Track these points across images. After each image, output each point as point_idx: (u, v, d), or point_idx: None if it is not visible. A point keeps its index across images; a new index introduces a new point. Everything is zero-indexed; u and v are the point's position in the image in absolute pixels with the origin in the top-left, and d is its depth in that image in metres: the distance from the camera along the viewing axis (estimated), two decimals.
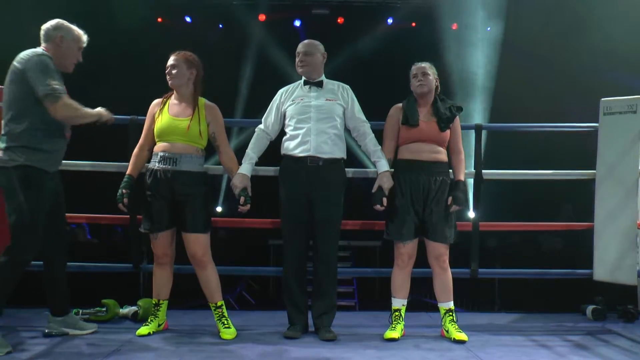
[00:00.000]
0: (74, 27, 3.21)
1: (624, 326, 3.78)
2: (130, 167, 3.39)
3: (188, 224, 3.30)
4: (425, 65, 3.47)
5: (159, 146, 3.32)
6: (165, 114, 3.33)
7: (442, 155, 3.41)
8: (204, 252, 3.33)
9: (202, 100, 3.41)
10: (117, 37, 7.69)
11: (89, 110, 3.12)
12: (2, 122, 3.09)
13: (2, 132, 3.08)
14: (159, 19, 8.61)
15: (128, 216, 3.66)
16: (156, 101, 3.44)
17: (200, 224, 3.31)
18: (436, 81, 3.48)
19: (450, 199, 3.36)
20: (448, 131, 3.42)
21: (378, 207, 3.34)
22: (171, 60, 3.36)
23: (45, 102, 2.98)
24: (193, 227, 3.30)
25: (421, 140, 3.37)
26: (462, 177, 3.43)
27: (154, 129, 3.35)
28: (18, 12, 7.03)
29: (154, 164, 3.31)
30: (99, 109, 3.17)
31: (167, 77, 3.36)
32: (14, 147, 3.02)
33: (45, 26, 3.16)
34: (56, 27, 3.15)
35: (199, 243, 3.32)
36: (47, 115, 3.01)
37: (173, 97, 3.41)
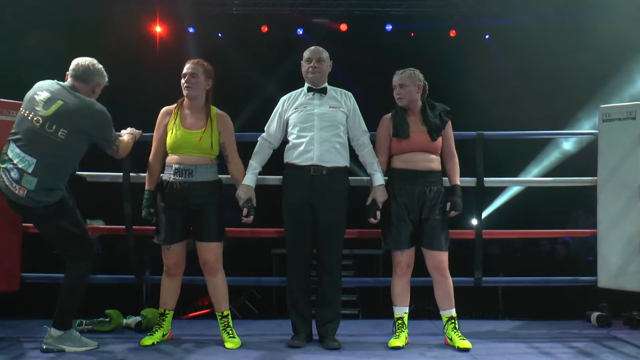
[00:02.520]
0: (100, 67, 3.26)
1: (629, 333, 3.76)
2: (148, 182, 3.37)
3: (202, 233, 3.31)
4: (403, 75, 3.42)
5: (173, 158, 3.31)
6: (178, 127, 3.30)
7: (436, 164, 3.41)
8: (215, 260, 3.34)
9: (214, 110, 3.38)
10: (116, 48, 7.73)
11: (129, 139, 3.38)
12: (36, 165, 2.98)
13: (29, 171, 2.96)
14: (158, 29, 8.64)
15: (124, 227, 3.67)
16: (166, 110, 3.39)
17: (214, 233, 3.31)
18: (419, 89, 3.42)
19: (448, 204, 3.36)
20: (440, 138, 3.41)
21: (372, 220, 3.34)
22: (190, 69, 3.32)
23: (108, 151, 3.24)
24: (207, 237, 3.31)
25: (414, 151, 3.37)
26: (457, 182, 3.44)
27: (165, 139, 3.33)
28: (15, 22, 7.06)
29: (169, 176, 3.30)
30: (129, 134, 3.40)
31: (185, 84, 3.31)
32: (47, 190, 3.00)
33: (85, 64, 3.17)
34: (98, 73, 3.21)
35: (212, 251, 3.33)
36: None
37: (184, 106, 3.37)
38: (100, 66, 3.24)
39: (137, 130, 3.50)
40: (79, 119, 3.05)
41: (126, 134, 3.42)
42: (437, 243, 3.34)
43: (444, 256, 3.38)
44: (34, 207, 3.03)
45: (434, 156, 3.40)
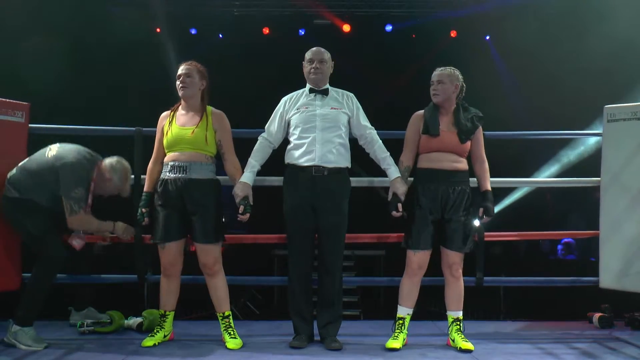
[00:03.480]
0: (127, 179, 3.52)
1: (631, 334, 3.76)
2: (147, 184, 3.41)
3: (199, 234, 3.31)
4: (444, 72, 3.40)
5: (169, 156, 3.34)
6: (173, 125, 3.34)
7: (462, 165, 3.38)
8: (214, 262, 3.34)
9: (209, 108, 3.41)
10: (117, 48, 7.75)
11: (102, 224, 3.46)
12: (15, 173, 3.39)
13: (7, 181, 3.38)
14: (157, 30, 8.65)
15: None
16: (164, 114, 3.45)
17: (212, 234, 3.31)
18: (456, 88, 3.40)
19: (481, 210, 3.35)
20: (469, 142, 3.39)
21: (395, 213, 3.32)
22: (184, 70, 3.36)
23: (64, 206, 3.31)
24: (204, 238, 3.31)
25: (441, 150, 3.35)
26: (489, 187, 3.41)
27: (163, 141, 3.37)
28: (16, 24, 7.07)
29: (165, 174, 3.33)
30: (118, 230, 3.53)
31: (180, 85, 3.35)
32: (11, 185, 3.36)
33: (116, 159, 3.49)
34: (111, 169, 3.46)
35: (210, 253, 3.32)
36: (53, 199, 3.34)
37: (180, 107, 3.41)
38: (121, 172, 3.47)
39: (129, 231, 3.57)
40: (58, 151, 3.39)
41: (116, 226, 3.53)
42: (456, 243, 3.33)
43: (459, 257, 3.37)
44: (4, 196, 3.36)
45: (461, 158, 3.38)
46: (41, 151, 3.44)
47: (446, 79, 3.38)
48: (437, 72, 3.41)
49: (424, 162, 3.40)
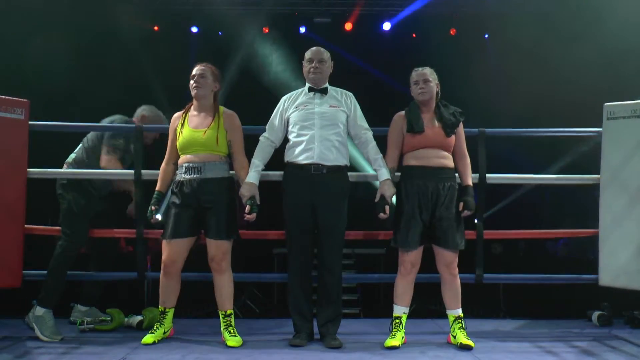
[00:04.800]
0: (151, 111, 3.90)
1: (630, 332, 3.76)
2: (159, 183, 3.45)
3: (212, 230, 3.34)
4: (426, 71, 3.45)
5: (183, 158, 3.38)
6: (185, 128, 3.38)
7: (449, 161, 3.40)
8: (223, 258, 3.36)
9: (222, 109, 3.45)
10: (117, 46, 7.76)
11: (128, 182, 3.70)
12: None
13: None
14: (155, 28, 8.65)
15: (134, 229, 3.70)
16: (176, 115, 3.49)
17: (224, 231, 3.34)
18: (437, 87, 3.47)
19: (461, 204, 3.36)
20: (453, 136, 3.41)
21: (382, 215, 3.33)
22: (199, 70, 3.41)
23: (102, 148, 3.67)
24: (217, 234, 3.33)
25: (427, 147, 3.37)
26: (470, 182, 3.44)
27: (175, 143, 3.41)
28: (19, 24, 7.08)
29: (181, 176, 3.37)
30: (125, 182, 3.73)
31: (194, 85, 3.39)
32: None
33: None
34: (143, 109, 3.90)
35: (220, 249, 3.34)
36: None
37: (192, 108, 3.45)
38: (151, 113, 3.90)
39: (134, 210, 3.73)
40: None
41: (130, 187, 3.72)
42: (451, 242, 3.34)
43: (454, 255, 3.37)
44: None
45: (446, 153, 3.40)
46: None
47: (430, 77, 3.42)
48: (420, 72, 3.44)
49: (410, 160, 3.41)
